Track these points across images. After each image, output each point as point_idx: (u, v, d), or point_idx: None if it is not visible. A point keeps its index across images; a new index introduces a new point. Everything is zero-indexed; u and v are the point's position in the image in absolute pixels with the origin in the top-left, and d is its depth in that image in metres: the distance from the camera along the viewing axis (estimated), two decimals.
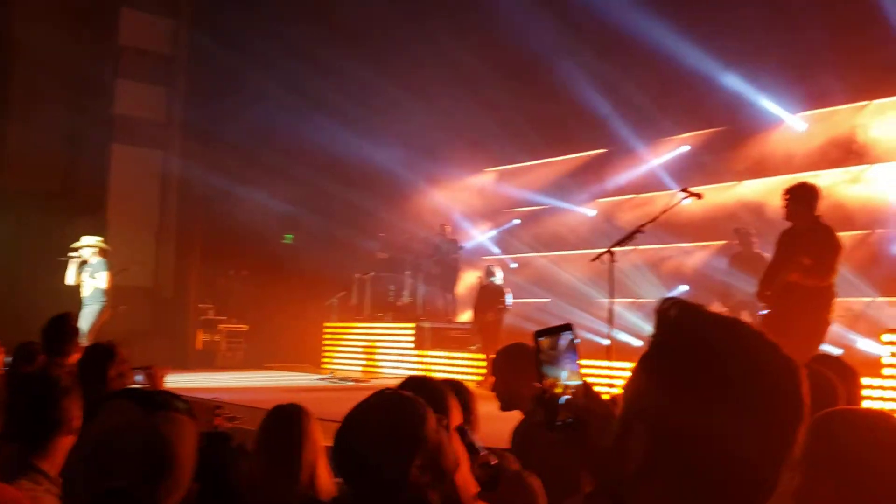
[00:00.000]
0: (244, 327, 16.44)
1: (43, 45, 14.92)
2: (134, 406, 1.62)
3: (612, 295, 6.48)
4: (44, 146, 15.69)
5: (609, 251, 6.40)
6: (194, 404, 5.93)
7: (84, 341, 10.86)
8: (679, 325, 1.19)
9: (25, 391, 2.86)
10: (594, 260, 6.54)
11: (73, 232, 11.56)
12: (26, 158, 15.45)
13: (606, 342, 6.63)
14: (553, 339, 1.52)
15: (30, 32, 15.15)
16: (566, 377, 1.51)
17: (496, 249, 16.91)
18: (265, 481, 2.81)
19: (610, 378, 7.03)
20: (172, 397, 1.74)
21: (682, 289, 13.01)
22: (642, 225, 6.46)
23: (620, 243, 6.43)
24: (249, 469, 2.81)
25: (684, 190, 6.55)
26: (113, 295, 11.72)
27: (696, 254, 13.48)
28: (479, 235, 17.12)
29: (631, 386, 1.21)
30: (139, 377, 3.84)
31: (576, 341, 1.52)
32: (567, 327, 1.53)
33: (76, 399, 2.85)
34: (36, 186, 15.78)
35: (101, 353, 3.92)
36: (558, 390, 1.50)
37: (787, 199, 6.73)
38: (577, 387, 1.50)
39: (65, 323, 5.46)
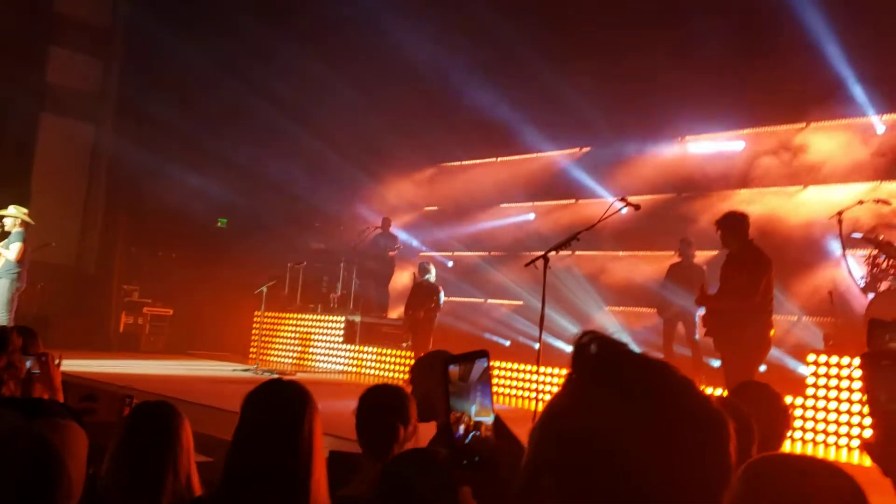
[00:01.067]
0: (169, 311, 15.98)
1: None
2: (16, 413, 1.41)
3: (544, 299, 6.38)
4: None
5: (544, 256, 6.30)
6: (104, 393, 5.59)
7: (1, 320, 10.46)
8: (600, 365, 1.04)
9: None
10: (528, 265, 6.43)
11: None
12: None
13: (536, 346, 6.52)
14: (465, 368, 1.37)
15: None
16: (475, 411, 1.35)
17: (423, 248, 16.75)
18: (125, 496, 2.47)
19: (539, 384, 6.94)
20: (57, 405, 1.52)
21: None
22: (579, 231, 6.39)
23: (556, 248, 6.34)
24: (104, 483, 2.46)
25: (622, 199, 6.49)
26: (31, 270, 11.31)
27: (629, 263, 13.47)
28: (413, 233, 16.96)
29: (540, 432, 1.06)
30: (28, 363, 3.46)
31: (489, 370, 1.36)
32: (482, 354, 1.37)
33: None
34: None
35: None
36: (463, 426, 1.35)
37: (718, 229, 6.92)
38: (486, 425, 1.34)
39: None
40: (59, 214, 15.00)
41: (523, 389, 10.61)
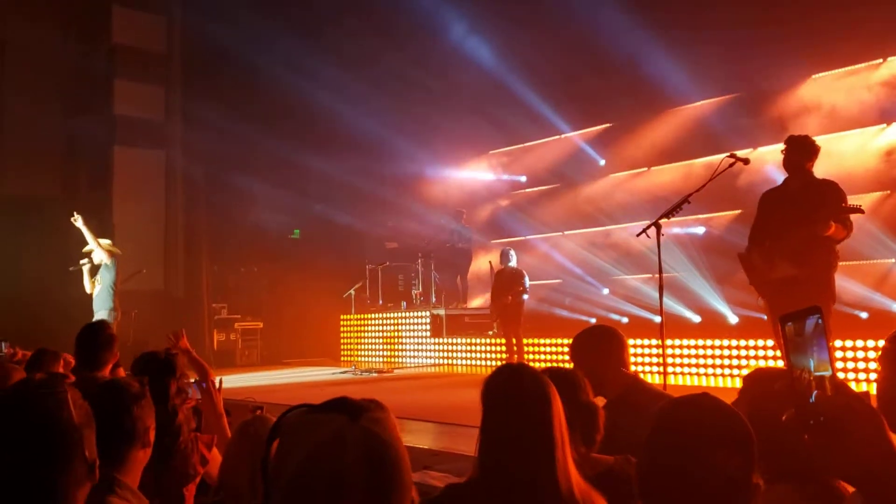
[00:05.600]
0: (259, 324, 16.32)
1: (34, 46, 14.61)
2: (335, 415, 1.31)
3: (660, 270, 6.18)
4: (42, 150, 15.44)
5: (655, 223, 6.10)
6: (235, 407, 5.63)
7: None
8: None
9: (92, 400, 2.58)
10: (640, 234, 6.23)
11: (79, 237, 11.27)
12: (25, 163, 15.21)
13: (658, 319, 6.30)
14: (799, 324, 1.30)
15: (18, 33, 14.87)
16: (815, 366, 1.29)
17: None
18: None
19: (660, 356, 6.77)
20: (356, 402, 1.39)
21: None
22: (689, 194, 6.15)
23: (668, 214, 6.12)
24: None
25: (731, 155, 6.21)
26: (123, 299, 11.49)
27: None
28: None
29: None
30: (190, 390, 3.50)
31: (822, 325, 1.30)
32: (814, 310, 1.30)
33: (149, 407, 2.59)
34: (36, 192, 15.53)
35: (158, 368, 3.41)
36: (805, 383, 1.29)
37: (788, 150, 6.20)
38: (827, 379, 1.27)
39: (100, 331, 5.13)
40: (142, 242, 15.27)
41: (648, 364, 10.33)
